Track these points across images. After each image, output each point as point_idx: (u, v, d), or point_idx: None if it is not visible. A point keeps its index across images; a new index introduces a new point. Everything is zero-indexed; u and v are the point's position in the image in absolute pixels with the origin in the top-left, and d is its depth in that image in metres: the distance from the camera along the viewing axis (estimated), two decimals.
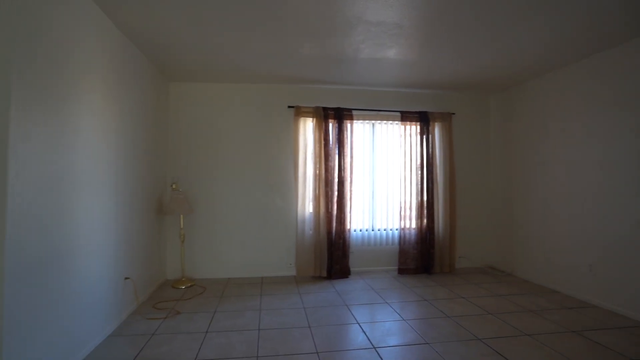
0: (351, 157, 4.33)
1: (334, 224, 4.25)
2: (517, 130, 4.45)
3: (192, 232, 4.20)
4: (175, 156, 4.22)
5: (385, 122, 4.60)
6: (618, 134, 3.19)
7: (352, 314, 3.13)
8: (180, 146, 4.23)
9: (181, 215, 3.93)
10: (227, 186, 4.29)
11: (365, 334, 2.73)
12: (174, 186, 3.97)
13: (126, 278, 2.99)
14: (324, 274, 4.20)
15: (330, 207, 4.23)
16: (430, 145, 4.54)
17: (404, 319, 3.01)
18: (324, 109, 4.29)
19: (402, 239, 4.47)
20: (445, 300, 3.48)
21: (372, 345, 2.55)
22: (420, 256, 4.45)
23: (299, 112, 4.29)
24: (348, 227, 4.29)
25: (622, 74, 3.15)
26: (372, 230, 4.55)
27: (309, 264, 4.21)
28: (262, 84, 4.38)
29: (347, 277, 4.25)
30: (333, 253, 4.21)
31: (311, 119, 4.32)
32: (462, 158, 4.82)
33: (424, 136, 4.54)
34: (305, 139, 4.29)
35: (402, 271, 4.43)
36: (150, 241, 3.62)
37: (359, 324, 2.93)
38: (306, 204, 4.25)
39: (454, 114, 4.73)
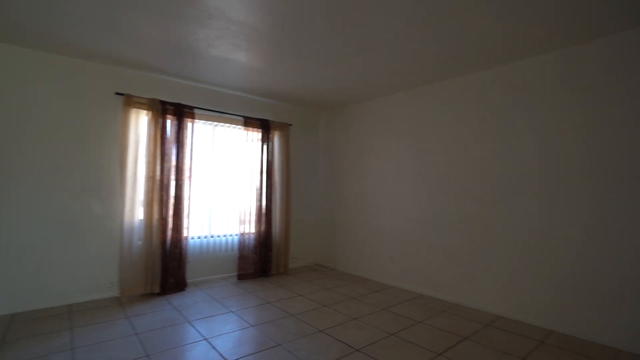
0: (191, 158, 3.97)
1: (170, 232, 3.77)
2: (340, 144, 5.21)
3: None
4: None
5: (228, 125, 4.45)
6: (404, 154, 4.22)
7: (197, 330, 2.85)
8: None
9: None
10: (16, 187, 3.11)
11: (215, 349, 2.54)
12: None
13: None
14: (157, 289, 3.65)
15: (165, 213, 3.73)
16: (270, 152, 4.70)
17: (252, 325, 2.98)
18: (163, 102, 3.77)
19: (242, 244, 4.42)
20: (286, 300, 3.66)
21: (225, 359, 2.40)
22: (259, 260, 4.52)
23: (131, 101, 3.60)
24: (185, 234, 3.90)
25: (414, 110, 4.19)
26: (212, 237, 4.29)
27: (138, 280, 3.56)
28: (81, 60, 3.44)
29: (183, 289, 3.84)
30: (168, 264, 3.72)
31: (146, 112, 3.70)
32: (297, 166, 5.23)
33: (265, 143, 4.67)
34: (137, 135, 3.63)
35: (241, 277, 4.37)
36: None
37: (206, 339, 2.69)
38: (136, 210, 3.59)
39: (291, 125, 5.07)
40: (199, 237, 4.17)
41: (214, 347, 2.56)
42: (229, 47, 3.12)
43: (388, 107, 4.50)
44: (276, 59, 3.36)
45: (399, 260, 4.28)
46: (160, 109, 3.74)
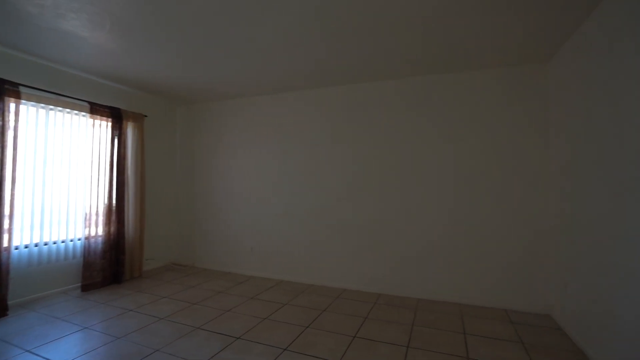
0: (15, 148, 3.10)
1: None
2: (201, 140, 5.06)
3: None
4: None
5: (69, 111, 3.66)
6: (268, 154, 4.56)
7: (46, 358, 2.36)
8: None
9: None
10: None
11: None
12: None
13: None
14: None
15: None
16: (122, 145, 4.14)
17: (118, 337, 2.68)
18: None
19: (87, 249, 3.75)
20: (150, 305, 3.39)
21: None
22: (110, 265, 3.94)
23: None
24: (6, 244, 3.03)
25: (278, 113, 4.55)
26: (45, 244, 3.46)
27: None
28: None
29: (5, 314, 2.98)
30: None
31: None
32: (152, 161, 4.77)
33: (116, 135, 4.08)
34: None
35: (87, 287, 3.70)
36: None
37: None
38: None
39: (146, 116, 4.58)
40: (26, 246, 3.29)
41: None
42: (86, 23, 2.65)
43: (254, 108, 4.70)
44: (142, 46, 3.04)
45: (260, 252, 4.57)
46: None
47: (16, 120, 3.10)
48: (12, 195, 3.07)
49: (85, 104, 3.76)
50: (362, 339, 2.74)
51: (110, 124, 4.01)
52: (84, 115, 3.79)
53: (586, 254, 2.52)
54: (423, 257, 3.73)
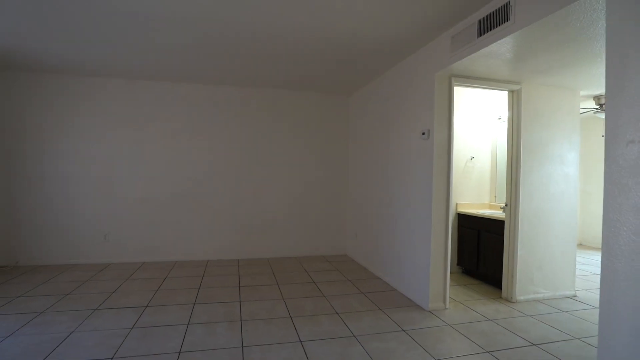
0: None
1: None
2: (25, 116, 4.25)
3: None
4: None
5: None
6: (123, 140, 4.52)
7: None
8: None
9: None
10: None
11: None
12: None
13: None
14: None
15: None
16: None
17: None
18: None
19: None
20: (5, 306, 3.01)
21: None
22: None
23: None
24: None
25: (134, 100, 4.54)
26: None
27: None
28: None
29: None
30: None
31: None
32: None
33: None
34: None
35: None
36: None
37: None
38: None
39: None
40: None
41: None
42: None
43: (104, 90, 4.44)
44: None
45: (116, 238, 4.50)
46: None
47: None
48: None
49: None
50: (245, 286, 3.70)
51: None
52: None
53: (364, 215, 4.52)
54: (268, 227, 4.98)
